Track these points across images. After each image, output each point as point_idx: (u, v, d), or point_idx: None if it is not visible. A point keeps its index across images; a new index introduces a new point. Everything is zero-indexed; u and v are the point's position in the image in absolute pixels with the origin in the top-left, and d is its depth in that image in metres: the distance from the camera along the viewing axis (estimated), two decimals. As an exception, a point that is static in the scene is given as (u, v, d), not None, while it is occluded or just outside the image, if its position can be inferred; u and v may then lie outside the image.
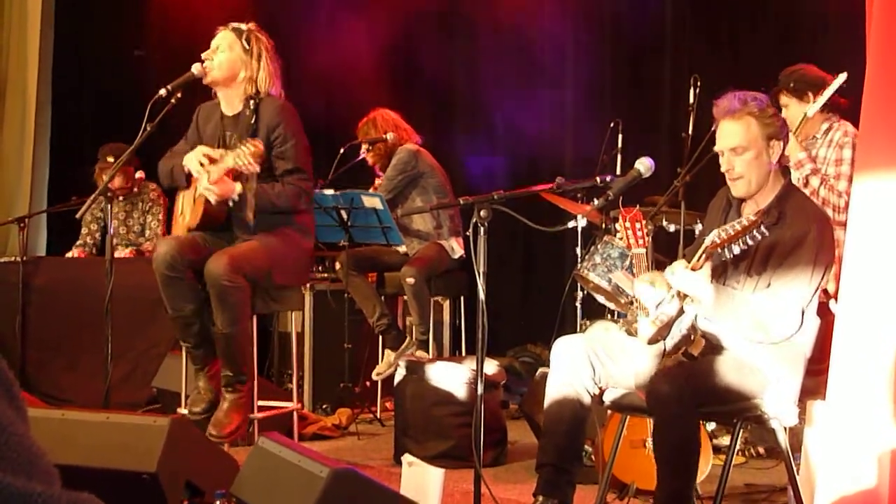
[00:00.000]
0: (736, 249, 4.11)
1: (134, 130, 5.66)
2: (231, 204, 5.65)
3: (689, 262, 4.24)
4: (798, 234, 4.25)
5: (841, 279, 3.96)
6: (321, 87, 9.89)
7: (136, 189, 8.49)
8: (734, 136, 4.39)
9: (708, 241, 4.14)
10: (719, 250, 4.13)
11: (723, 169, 4.47)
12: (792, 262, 4.23)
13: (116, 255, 8.15)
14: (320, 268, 8.20)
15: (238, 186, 5.56)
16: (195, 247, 5.72)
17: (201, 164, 5.65)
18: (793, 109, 6.02)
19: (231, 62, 5.79)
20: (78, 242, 8.58)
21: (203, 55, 5.79)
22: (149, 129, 5.58)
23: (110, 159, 8.07)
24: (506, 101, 9.90)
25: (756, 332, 4.25)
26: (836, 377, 3.86)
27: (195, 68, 5.76)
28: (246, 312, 5.64)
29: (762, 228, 4.03)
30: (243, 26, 5.86)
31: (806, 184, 5.80)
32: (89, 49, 10.76)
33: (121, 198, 8.43)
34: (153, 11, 10.13)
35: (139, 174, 8.44)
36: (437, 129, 9.70)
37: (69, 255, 8.50)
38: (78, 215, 5.72)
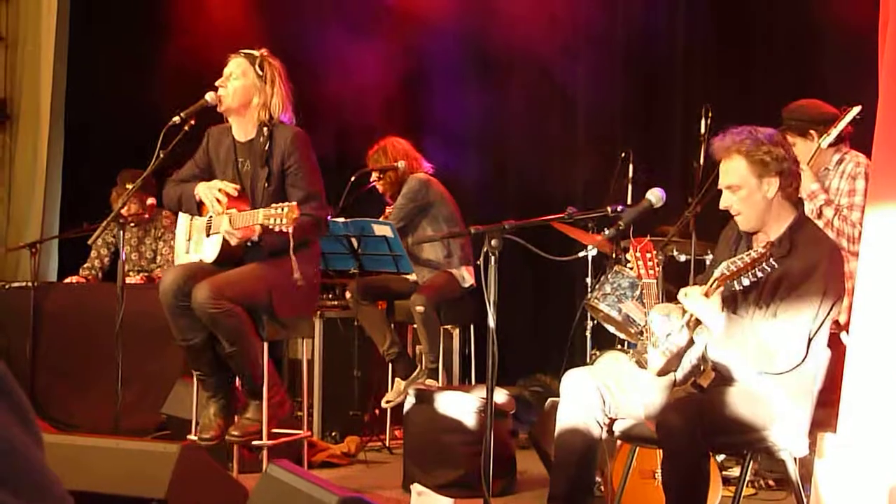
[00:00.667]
0: (745, 281, 4.12)
1: (147, 157, 5.69)
2: (249, 244, 5.67)
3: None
4: (808, 266, 4.26)
5: (852, 310, 3.96)
6: (332, 113, 9.90)
7: (148, 216, 8.49)
8: (727, 175, 4.45)
9: (717, 272, 4.15)
10: (728, 282, 4.13)
11: (721, 206, 4.52)
12: (801, 294, 4.23)
13: (127, 281, 8.19)
14: (330, 295, 8.19)
15: (259, 229, 5.53)
16: (204, 276, 5.71)
17: (218, 201, 5.66)
18: (799, 147, 5.99)
19: (245, 89, 5.80)
20: (85, 265, 8.59)
21: (217, 83, 5.81)
22: (162, 155, 5.61)
23: (129, 186, 8.11)
24: (516, 129, 9.91)
25: (761, 361, 4.25)
26: (847, 409, 3.86)
27: (209, 96, 5.78)
28: (244, 330, 5.61)
29: (771, 261, 4.04)
30: (256, 52, 5.88)
31: (819, 215, 5.79)
32: (103, 75, 10.79)
33: (133, 224, 8.43)
34: (167, 38, 10.16)
35: (151, 201, 8.44)
36: (446, 159, 9.71)
37: (73, 279, 8.50)
38: (90, 241, 5.76)
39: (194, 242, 6.02)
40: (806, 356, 4.24)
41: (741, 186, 4.39)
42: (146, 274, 8.36)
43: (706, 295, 4.17)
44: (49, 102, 10.06)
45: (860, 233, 5.59)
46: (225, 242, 5.67)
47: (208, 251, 5.84)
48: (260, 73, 5.80)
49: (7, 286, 7.92)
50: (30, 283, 7.85)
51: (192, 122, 5.67)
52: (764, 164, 4.37)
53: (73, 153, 10.44)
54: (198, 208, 5.86)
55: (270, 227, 5.34)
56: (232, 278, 5.59)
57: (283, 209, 5.29)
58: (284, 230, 5.32)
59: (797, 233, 4.39)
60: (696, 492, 4.21)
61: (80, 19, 10.45)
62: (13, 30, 9.99)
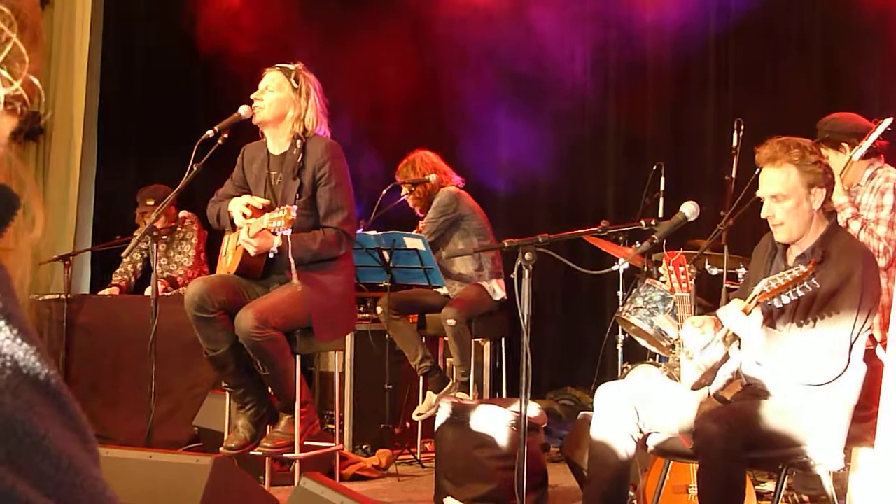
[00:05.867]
0: (786, 300, 4.10)
1: (180, 170, 5.72)
2: (270, 255, 5.68)
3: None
4: (843, 273, 4.23)
5: (890, 325, 3.93)
6: (362, 126, 9.94)
7: (172, 223, 8.55)
8: (775, 184, 4.38)
9: (758, 289, 4.12)
10: (768, 300, 4.10)
11: (763, 215, 4.46)
12: (837, 303, 4.20)
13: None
14: (361, 308, 8.20)
15: (277, 240, 5.57)
16: (230, 288, 5.74)
17: (243, 215, 5.70)
18: (832, 160, 5.96)
19: (280, 102, 5.82)
20: (118, 270, 8.64)
21: (252, 96, 5.83)
22: (196, 168, 5.64)
23: (150, 202, 8.16)
24: (548, 143, 9.91)
25: (802, 373, 4.22)
26: (885, 424, 3.83)
27: (243, 109, 5.81)
28: (284, 354, 5.64)
29: (813, 280, 4.01)
30: (291, 66, 5.90)
31: (846, 227, 5.76)
32: (136, 89, 10.87)
33: (164, 236, 8.48)
34: (200, 52, 10.21)
35: (182, 214, 8.48)
36: (478, 173, 9.72)
37: (107, 290, 8.55)
38: (124, 254, 5.78)
39: (227, 258, 6.06)
40: (848, 364, 4.21)
41: (788, 196, 4.34)
42: (169, 275, 8.39)
43: (745, 311, 4.14)
44: (82, 116, 10.11)
45: (885, 247, 5.57)
46: (245, 253, 5.70)
47: (232, 264, 5.89)
48: (295, 85, 5.82)
49: (40, 298, 7.96)
50: (63, 296, 7.89)
51: (226, 135, 5.70)
52: (815, 175, 4.34)
53: (105, 166, 10.49)
54: (232, 225, 5.89)
55: (273, 230, 5.38)
56: (276, 306, 5.61)
57: (282, 211, 5.35)
58: (284, 232, 5.37)
59: (830, 242, 4.36)
60: (732, 502, 4.18)
61: (113, 32, 10.51)
62: (47, 43, 10.03)
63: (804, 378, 4.24)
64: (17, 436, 0.83)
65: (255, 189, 5.94)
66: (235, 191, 6.00)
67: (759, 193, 4.48)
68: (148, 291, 7.88)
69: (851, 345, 4.21)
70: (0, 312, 0.87)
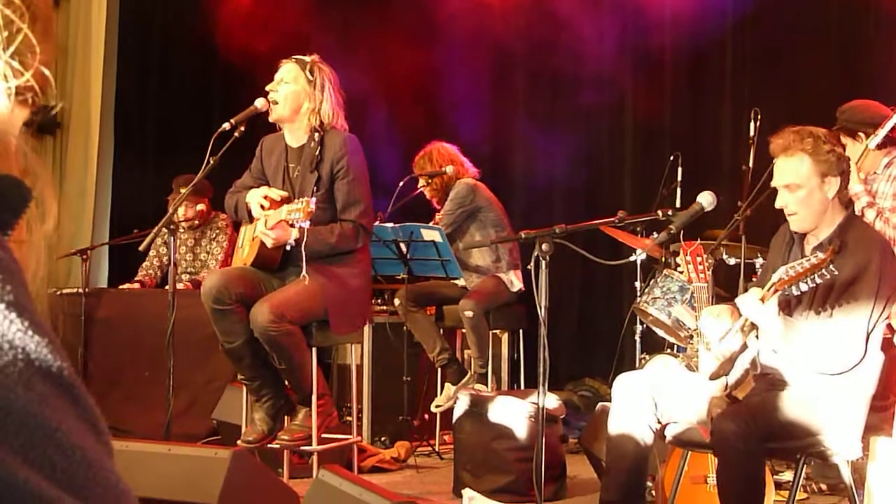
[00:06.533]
0: (804, 287, 4.08)
1: (196, 163, 5.72)
2: (288, 248, 5.69)
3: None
4: (861, 262, 4.22)
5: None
6: (380, 118, 9.94)
7: (199, 220, 8.48)
8: (787, 174, 4.38)
9: (776, 277, 4.11)
10: (786, 287, 4.09)
11: (777, 205, 4.46)
12: (855, 291, 4.19)
13: (177, 286, 8.23)
14: (379, 300, 8.20)
15: (294, 232, 5.57)
16: (247, 281, 5.75)
17: (261, 206, 5.70)
18: (849, 148, 5.93)
19: (295, 94, 5.82)
20: (144, 264, 8.62)
21: (267, 87, 5.83)
22: (212, 161, 5.65)
23: (183, 190, 8.16)
24: (565, 133, 9.90)
25: (820, 362, 4.21)
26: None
27: (259, 102, 5.82)
28: (300, 347, 5.65)
29: (831, 267, 4.00)
30: (307, 58, 5.90)
31: (861, 216, 5.73)
32: (152, 83, 10.89)
33: (188, 227, 8.42)
34: (216, 45, 10.21)
35: (200, 206, 8.42)
36: (495, 163, 9.72)
37: (129, 284, 8.55)
38: (141, 248, 5.78)
39: (244, 249, 6.07)
40: (865, 353, 4.19)
41: (801, 186, 4.33)
42: (194, 277, 8.38)
43: (762, 300, 4.13)
44: (99, 110, 10.13)
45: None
46: (262, 245, 5.71)
47: (249, 255, 5.90)
48: (310, 78, 5.81)
49: (59, 293, 7.97)
50: (81, 290, 7.90)
51: (243, 128, 5.71)
52: (829, 164, 4.32)
53: (122, 161, 10.51)
54: (249, 216, 5.89)
55: (291, 222, 5.38)
56: (291, 299, 5.62)
57: (301, 203, 5.34)
58: (302, 224, 5.36)
59: (847, 231, 4.35)
60: (753, 497, 4.18)
61: (129, 27, 10.52)
62: (63, 38, 10.05)
63: (821, 367, 4.23)
64: (29, 428, 0.83)
65: (273, 181, 5.95)
66: (254, 182, 6.02)
67: (773, 184, 4.48)
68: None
69: (868, 334, 4.20)
70: (12, 305, 0.87)
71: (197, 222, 8.44)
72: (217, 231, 8.48)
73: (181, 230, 8.20)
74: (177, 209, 6.03)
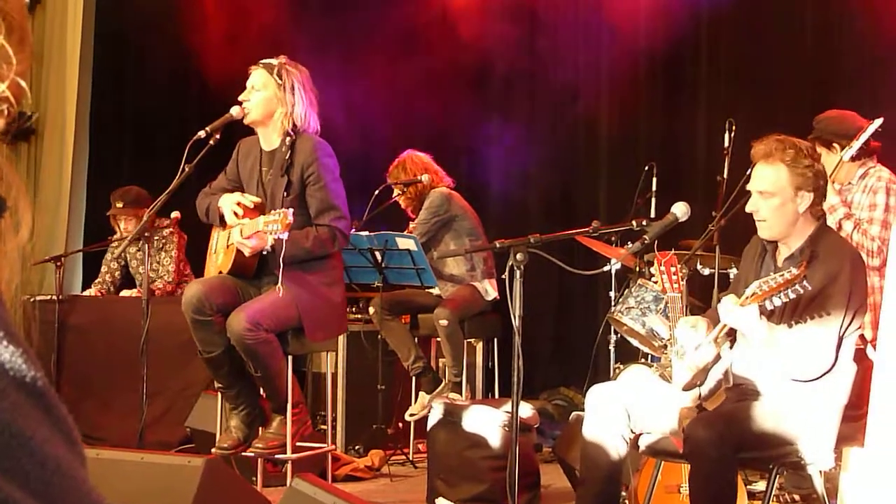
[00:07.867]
0: (777, 301, 4.10)
1: (172, 171, 5.71)
2: (264, 252, 5.67)
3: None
4: (831, 272, 4.25)
5: (880, 325, 3.94)
6: (356, 127, 9.94)
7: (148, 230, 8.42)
8: (763, 181, 4.41)
9: (750, 290, 4.13)
10: (760, 302, 4.11)
11: (748, 209, 4.49)
12: (826, 300, 4.22)
13: (127, 293, 8.22)
14: (354, 309, 8.19)
15: (270, 239, 5.55)
16: (225, 290, 5.75)
17: (235, 214, 5.69)
18: (824, 158, 5.95)
19: (267, 100, 5.80)
20: (97, 280, 8.61)
21: (240, 97, 5.82)
22: (187, 170, 5.63)
23: (119, 204, 8.15)
24: (540, 143, 9.93)
25: (792, 369, 4.24)
26: (875, 424, 3.84)
27: (234, 110, 5.80)
28: (276, 356, 5.64)
29: (804, 283, 4.02)
30: (274, 61, 5.86)
31: (839, 228, 5.76)
32: (127, 90, 10.86)
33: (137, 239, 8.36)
34: (192, 53, 10.20)
35: (174, 214, 8.36)
36: (469, 171, 9.73)
37: (87, 292, 8.53)
38: (110, 258, 5.77)
39: (217, 255, 6.05)
40: (836, 361, 4.22)
41: (775, 194, 4.36)
42: (152, 286, 8.32)
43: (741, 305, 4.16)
44: (74, 117, 10.10)
45: (879, 247, 5.58)
46: (238, 253, 5.70)
47: (224, 262, 5.88)
48: (279, 81, 5.79)
49: (32, 300, 7.94)
50: (55, 297, 7.87)
51: (218, 136, 5.70)
52: (804, 178, 4.35)
53: (97, 167, 10.47)
54: (221, 220, 5.88)
55: (269, 234, 5.35)
56: (267, 308, 5.61)
57: (279, 215, 5.31)
58: (280, 237, 5.32)
59: (818, 242, 4.38)
60: (725, 506, 4.20)
61: (105, 33, 10.49)
62: (38, 45, 10.02)
63: (792, 373, 4.26)
64: (3, 437, 0.83)
65: (247, 185, 5.94)
66: (228, 184, 6.00)
67: (748, 187, 4.51)
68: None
69: (839, 343, 4.23)
70: None
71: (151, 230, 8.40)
72: (164, 241, 8.38)
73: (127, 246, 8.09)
74: (147, 221, 6.01)
